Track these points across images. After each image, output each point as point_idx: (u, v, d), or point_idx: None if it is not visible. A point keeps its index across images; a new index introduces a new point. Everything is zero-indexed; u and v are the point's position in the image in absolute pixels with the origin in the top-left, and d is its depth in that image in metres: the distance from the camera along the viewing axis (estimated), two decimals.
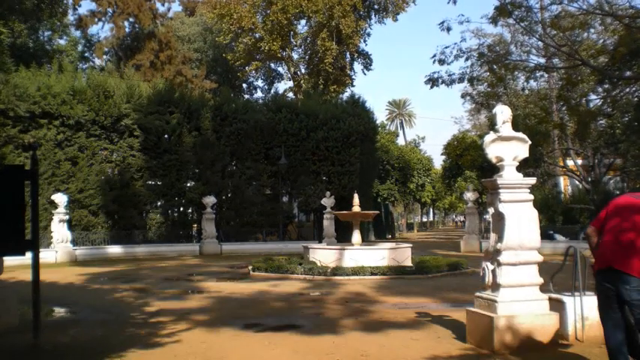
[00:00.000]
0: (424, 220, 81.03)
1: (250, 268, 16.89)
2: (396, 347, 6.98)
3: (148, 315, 9.56)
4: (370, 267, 15.04)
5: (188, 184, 28.20)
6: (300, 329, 8.23)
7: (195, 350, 6.97)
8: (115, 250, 23.64)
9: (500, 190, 6.76)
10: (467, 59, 20.66)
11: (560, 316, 6.68)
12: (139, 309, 10.23)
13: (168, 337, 7.69)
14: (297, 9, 34.66)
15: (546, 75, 27.52)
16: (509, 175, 6.81)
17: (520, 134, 6.99)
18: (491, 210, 7.01)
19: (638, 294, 4.78)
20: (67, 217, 22.92)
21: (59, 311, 10.35)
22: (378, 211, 20.30)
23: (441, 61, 19.67)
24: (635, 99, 23.96)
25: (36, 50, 39.58)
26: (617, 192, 28.68)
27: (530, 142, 7.06)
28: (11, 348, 6.99)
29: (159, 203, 28.19)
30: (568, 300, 6.80)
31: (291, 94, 40.06)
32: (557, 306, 6.79)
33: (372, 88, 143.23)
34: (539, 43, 21.32)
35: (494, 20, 19.44)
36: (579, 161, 34.58)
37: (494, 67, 20.28)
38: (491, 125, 7.69)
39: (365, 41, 40.32)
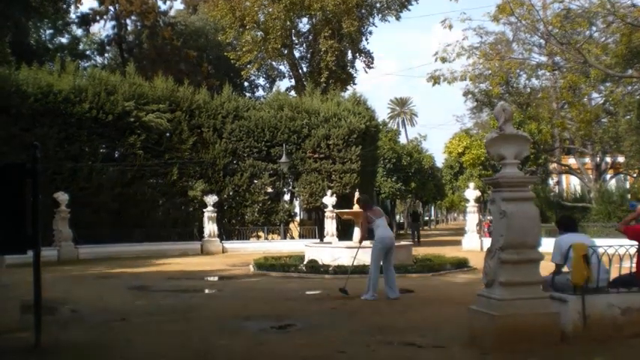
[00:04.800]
0: (426, 218, 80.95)
1: (251, 266, 16.90)
2: (395, 346, 6.96)
3: (146, 314, 9.57)
4: None
5: (189, 183, 28.19)
6: (300, 329, 8.22)
7: None
8: (116, 248, 23.62)
9: (502, 188, 6.75)
10: (469, 57, 20.60)
11: (561, 315, 6.66)
12: (137, 309, 10.24)
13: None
14: (300, 8, 34.61)
15: (548, 73, 27.48)
16: (511, 173, 6.79)
17: (522, 132, 6.98)
18: (493, 208, 6.99)
19: None
20: (68, 215, 22.94)
21: (61, 310, 10.33)
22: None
23: (443, 59, 19.59)
24: (638, 97, 23.92)
25: (38, 48, 39.60)
26: (620, 191, 28.64)
27: (532, 141, 7.06)
28: (12, 348, 6.97)
29: (160, 202, 28.18)
30: (570, 299, 6.77)
31: (292, 93, 40.04)
32: (559, 305, 6.77)
33: (374, 87, 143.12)
34: (542, 41, 21.29)
35: (495, 18, 19.39)
36: (581, 160, 34.54)
37: (496, 65, 20.23)
38: (493, 124, 7.69)
39: (367, 39, 40.25)
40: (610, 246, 7.14)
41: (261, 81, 48.73)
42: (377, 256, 10.83)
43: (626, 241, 7.39)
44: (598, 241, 7.58)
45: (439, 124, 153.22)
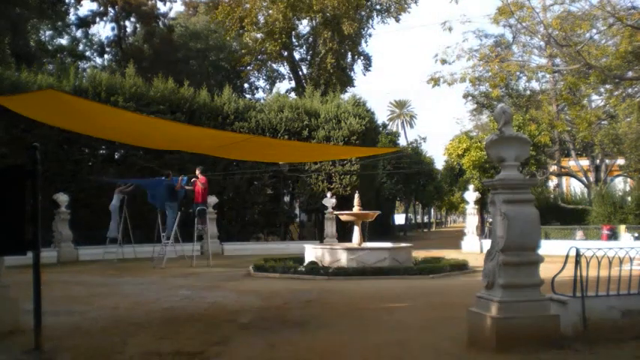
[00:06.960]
0: (425, 220, 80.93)
1: (251, 267, 16.89)
2: (395, 348, 6.96)
3: (147, 316, 9.57)
4: (372, 267, 15.03)
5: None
6: (301, 331, 8.21)
7: None
8: (117, 249, 23.52)
9: (502, 191, 6.75)
10: (468, 59, 20.60)
11: (561, 318, 6.65)
12: (135, 311, 10.23)
13: None
14: (300, 10, 34.66)
15: (548, 75, 27.51)
16: (511, 175, 6.79)
17: (521, 135, 6.99)
18: (492, 210, 6.99)
19: None
20: (68, 216, 22.90)
21: (61, 311, 10.31)
22: (379, 211, 20.22)
23: (443, 61, 19.61)
24: (638, 99, 23.93)
25: (38, 50, 39.62)
26: (620, 193, 28.67)
27: (531, 143, 7.06)
28: (11, 351, 6.95)
29: None
30: (570, 301, 6.77)
31: (292, 94, 40.10)
32: (559, 307, 6.77)
33: (374, 89, 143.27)
34: (542, 43, 21.31)
35: (495, 20, 19.42)
36: (581, 162, 34.57)
37: (496, 67, 20.24)
38: (493, 126, 7.70)
39: (366, 42, 40.41)
40: (610, 248, 7.14)
41: (262, 82, 48.83)
42: None
43: (625, 244, 7.38)
44: (596, 244, 7.58)
45: (439, 131, 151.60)
